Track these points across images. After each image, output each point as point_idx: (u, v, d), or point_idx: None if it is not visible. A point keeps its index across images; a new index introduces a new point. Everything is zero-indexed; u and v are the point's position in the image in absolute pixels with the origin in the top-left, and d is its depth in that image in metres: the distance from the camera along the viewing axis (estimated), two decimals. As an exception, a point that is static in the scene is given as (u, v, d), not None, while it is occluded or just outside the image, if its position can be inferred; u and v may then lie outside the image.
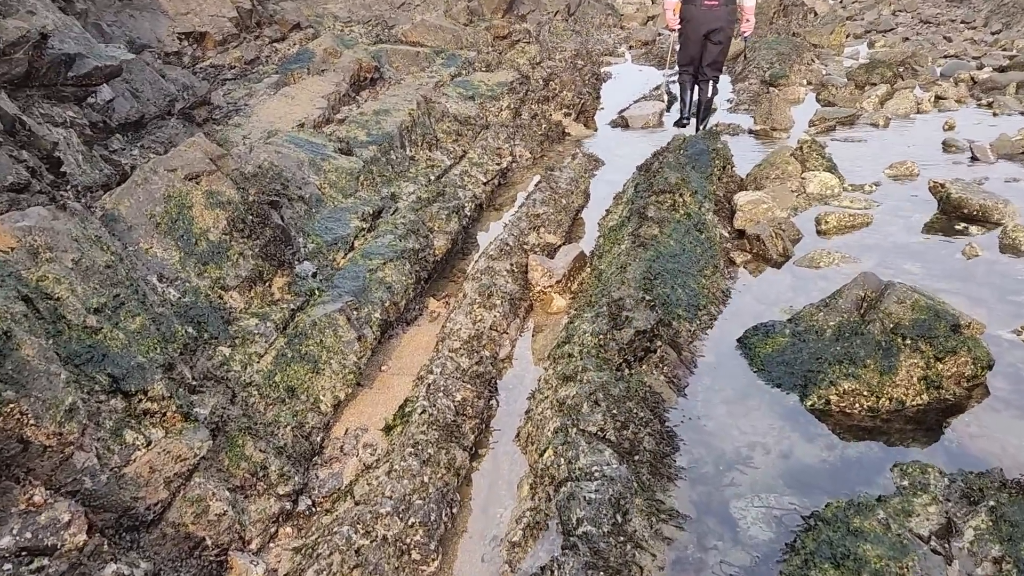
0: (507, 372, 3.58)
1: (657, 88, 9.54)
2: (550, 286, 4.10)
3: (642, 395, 3.00)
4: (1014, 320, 3.74)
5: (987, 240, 4.65)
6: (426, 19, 9.35)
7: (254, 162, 3.96)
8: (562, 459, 2.69)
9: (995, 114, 7.61)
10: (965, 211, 4.93)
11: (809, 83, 9.54)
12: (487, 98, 7.72)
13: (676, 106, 8.63)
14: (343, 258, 3.77)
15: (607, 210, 5.56)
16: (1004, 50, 10.40)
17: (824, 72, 10.12)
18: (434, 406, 2.91)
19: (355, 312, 3.22)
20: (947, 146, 6.55)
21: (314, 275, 3.41)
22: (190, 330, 2.68)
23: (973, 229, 4.78)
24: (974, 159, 6.21)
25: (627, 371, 3.18)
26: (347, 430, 3.00)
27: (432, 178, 5.46)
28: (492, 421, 3.25)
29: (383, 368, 3.47)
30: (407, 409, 2.98)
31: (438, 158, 5.78)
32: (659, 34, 14.61)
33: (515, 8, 11.30)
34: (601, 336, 3.19)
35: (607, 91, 9.97)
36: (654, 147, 7.13)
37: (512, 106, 7.73)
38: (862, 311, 3.33)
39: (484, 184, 5.88)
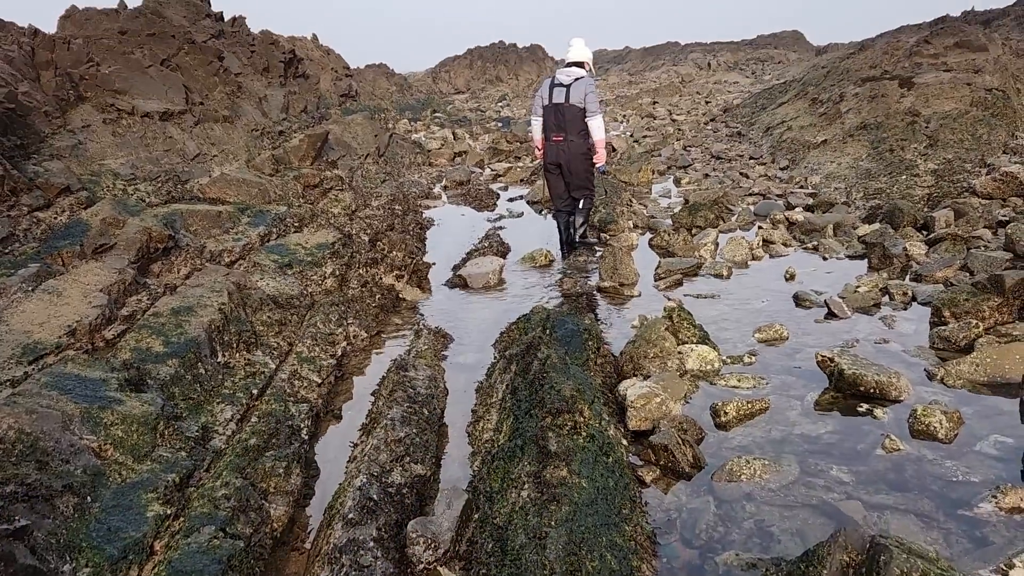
0: None
1: (487, 238, 8.97)
2: (436, 559, 3.08)
3: None
4: (978, 547, 3.22)
5: (896, 425, 4.25)
6: (227, 172, 8.26)
7: (-9, 433, 2.67)
8: None
9: (824, 258, 7.70)
10: (861, 388, 4.55)
11: (637, 226, 9.41)
12: (307, 265, 6.71)
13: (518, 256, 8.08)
14: (138, 578, 2.54)
15: (473, 410, 4.66)
16: (801, 188, 10.99)
17: (647, 214, 10.10)
18: None
19: None
20: (800, 300, 6.38)
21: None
22: None
23: (878, 412, 4.37)
24: (831, 315, 6.04)
25: None
26: None
27: (254, 391, 4.30)
28: None
29: None
30: None
31: (259, 360, 4.64)
32: (471, 173, 14.38)
33: (324, 154, 10.48)
34: None
35: (433, 241, 9.30)
36: (503, 313, 6.45)
37: (337, 272, 6.77)
38: (853, 584, 2.62)
39: (319, 385, 4.80)
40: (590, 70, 7.73)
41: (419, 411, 4.21)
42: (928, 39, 17.13)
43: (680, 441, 3.98)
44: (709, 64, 52.50)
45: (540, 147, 7.89)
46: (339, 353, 5.44)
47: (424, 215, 10.59)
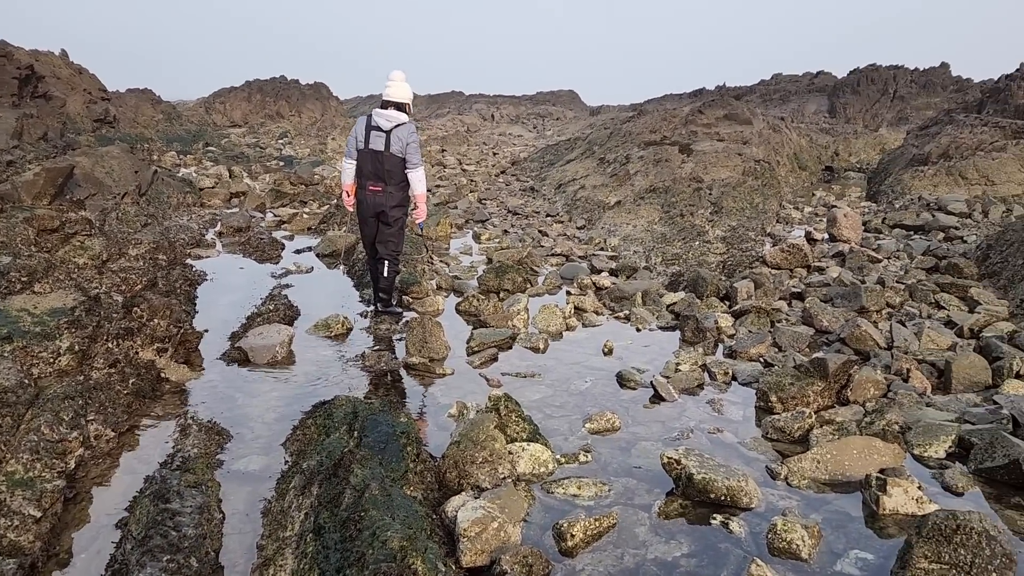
0: None
1: (272, 299, 7.80)
2: None
3: None
4: None
5: (753, 540, 3.81)
6: (-73, 212, 6.46)
7: None
8: None
9: (638, 329, 7.44)
10: (711, 496, 4.09)
11: (441, 288, 8.71)
12: (34, 338, 5.24)
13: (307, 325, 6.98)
14: None
15: (260, 546, 3.60)
16: (602, 250, 10.92)
17: (450, 274, 9.44)
18: None
19: None
20: (624, 381, 5.95)
21: None
22: None
23: (733, 526, 3.90)
24: (657, 397, 5.66)
25: None
26: None
27: (-70, 549, 2.97)
28: None
29: None
30: None
31: (-57, 496, 3.28)
32: (251, 217, 12.98)
33: (68, 192, 8.75)
34: None
35: (206, 300, 7.96)
36: (295, 398, 5.42)
37: (78, 348, 5.36)
38: None
39: (38, 521, 3.51)
40: (410, 111, 7.00)
41: (186, 563, 3.11)
42: (701, 109, 18.30)
43: (528, 585, 3.23)
44: (493, 116, 54.00)
45: (350, 193, 7.17)
46: (72, 465, 4.14)
47: (195, 267, 9.16)
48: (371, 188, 6.92)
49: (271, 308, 7.45)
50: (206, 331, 6.74)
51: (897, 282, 8.23)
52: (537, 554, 3.55)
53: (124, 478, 4.31)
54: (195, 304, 7.71)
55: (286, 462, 4.45)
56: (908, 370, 5.68)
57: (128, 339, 5.79)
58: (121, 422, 4.83)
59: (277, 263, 10.09)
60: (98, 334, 5.65)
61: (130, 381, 5.29)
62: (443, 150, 29.18)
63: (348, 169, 7.03)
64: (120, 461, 4.53)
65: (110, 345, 5.65)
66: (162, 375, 5.77)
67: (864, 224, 11.67)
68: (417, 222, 7.43)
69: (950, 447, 4.61)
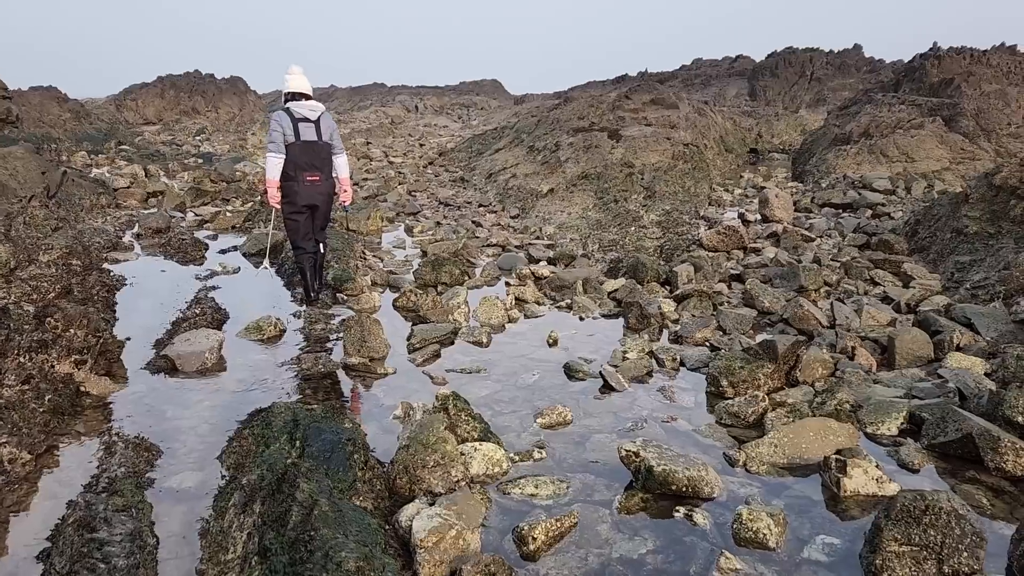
0: None
1: (197, 303, 7.37)
2: None
3: None
4: None
5: (719, 531, 3.70)
6: None
7: None
8: None
9: (581, 318, 7.32)
10: (673, 488, 3.98)
11: (376, 284, 8.42)
12: (-68, 358, 4.77)
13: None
14: None
15: (199, 571, 3.32)
16: (539, 239, 10.77)
17: (385, 268, 9.15)
18: None
19: None
20: (572, 372, 5.81)
21: None
22: None
23: (698, 518, 3.80)
24: (608, 387, 5.54)
25: None
26: None
27: None
28: None
29: None
30: None
31: None
32: (171, 218, 12.37)
33: (-32, 196, 8.11)
34: None
35: (126, 306, 7.49)
36: (229, 408, 5.10)
37: (-18, 367, 4.91)
38: None
39: (-58, 565, 3.14)
40: None
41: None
42: (628, 95, 18.32)
43: (494, 597, 3.05)
44: (417, 107, 53.36)
45: (278, 188, 7.00)
46: (-19, 497, 3.75)
47: (113, 272, 8.63)
48: (309, 179, 6.92)
49: (198, 312, 7.04)
50: (128, 339, 6.30)
51: (832, 260, 8.34)
52: (500, 562, 3.36)
53: (44, 505, 3.94)
54: (115, 311, 7.24)
55: (223, 477, 4.16)
56: (853, 348, 5.71)
57: (42, 352, 5.35)
58: (38, 443, 4.43)
59: (201, 264, 9.61)
60: (7, 348, 5.19)
61: (46, 398, 4.87)
62: (368, 143, 28.61)
63: (277, 165, 6.84)
64: (39, 486, 4.15)
65: (22, 359, 5.20)
66: (82, 389, 5.35)
67: (794, 204, 11.85)
68: (345, 204, 7.56)
69: (902, 423, 4.62)
